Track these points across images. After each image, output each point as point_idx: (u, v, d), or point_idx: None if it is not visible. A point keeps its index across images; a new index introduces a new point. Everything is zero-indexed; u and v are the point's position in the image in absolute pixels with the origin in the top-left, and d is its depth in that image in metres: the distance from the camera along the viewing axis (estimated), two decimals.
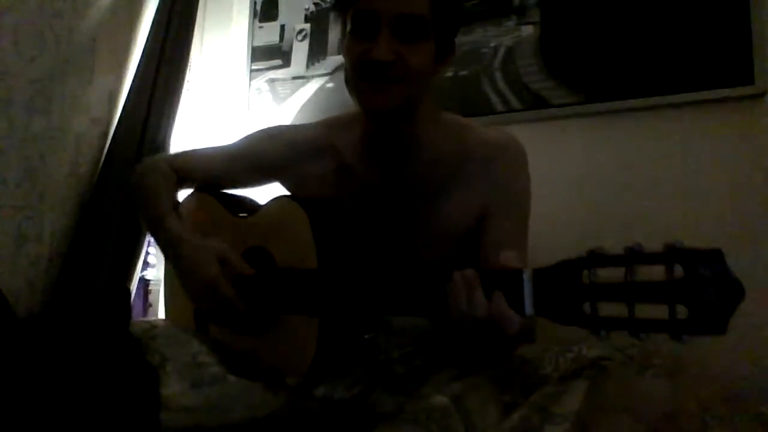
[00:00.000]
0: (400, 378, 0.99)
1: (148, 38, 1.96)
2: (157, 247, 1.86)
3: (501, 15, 1.84)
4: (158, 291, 1.99)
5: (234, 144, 1.25)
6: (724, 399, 0.89)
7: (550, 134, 1.73)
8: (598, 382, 0.85)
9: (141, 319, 1.84)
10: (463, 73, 1.85)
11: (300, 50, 2.18)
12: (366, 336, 1.04)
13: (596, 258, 0.68)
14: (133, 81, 1.92)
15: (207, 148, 1.31)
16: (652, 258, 0.64)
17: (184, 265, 1.05)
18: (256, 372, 1.01)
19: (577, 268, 0.69)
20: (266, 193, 1.19)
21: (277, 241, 1.06)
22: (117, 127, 1.88)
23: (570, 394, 0.83)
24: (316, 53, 2.15)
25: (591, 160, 1.69)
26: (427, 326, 1.07)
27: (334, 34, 2.13)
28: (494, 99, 1.82)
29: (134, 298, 1.91)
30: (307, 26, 2.18)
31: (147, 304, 1.99)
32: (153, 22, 1.97)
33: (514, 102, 1.80)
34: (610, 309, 0.66)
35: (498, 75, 1.83)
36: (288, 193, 1.22)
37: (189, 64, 2.05)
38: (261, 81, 2.23)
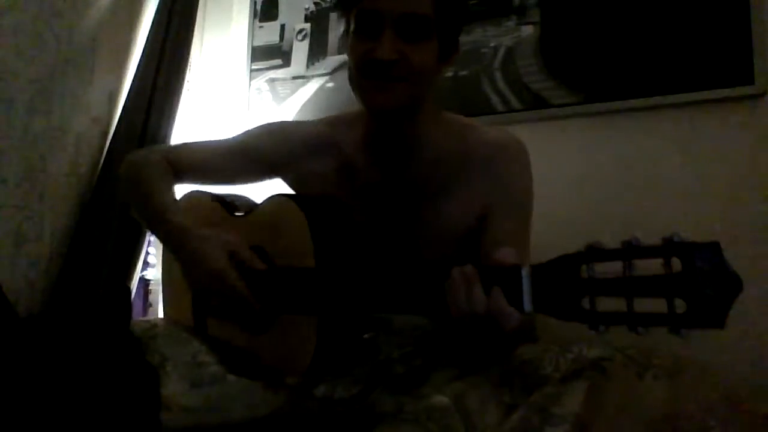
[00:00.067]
0: (400, 378, 0.99)
1: (148, 38, 1.96)
2: (157, 247, 1.86)
3: (501, 15, 1.84)
4: (158, 291, 1.99)
5: (233, 138, 1.23)
6: (725, 400, 0.89)
7: (550, 134, 1.73)
8: (598, 383, 0.84)
9: (141, 318, 1.84)
10: (463, 73, 1.85)
11: (300, 50, 2.18)
12: (366, 336, 1.04)
13: (594, 253, 0.68)
14: (133, 81, 1.92)
15: (204, 142, 1.28)
16: (649, 252, 0.64)
17: (190, 257, 1.01)
18: (256, 371, 1.01)
19: (575, 263, 0.69)
20: (262, 191, 1.19)
21: (274, 240, 1.06)
22: (117, 126, 1.88)
23: (570, 395, 0.83)
24: (316, 53, 2.15)
25: (591, 160, 1.69)
26: (427, 326, 1.07)
27: (334, 34, 2.13)
28: (494, 99, 1.82)
29: (134, 298, 1.91)
30: (307, 26, 2.18)
31: (147, 304, 1.99)
32: (153, 22, 1.97)
33: (514, 102, 1.80)
34: (608, 304, 0.66)
35: (498, 75, 1.83)
36: (289, 189, 1.21)
37: (189, 64, 2.05)
38: (261, 81, 2.23)
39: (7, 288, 1.10)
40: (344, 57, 2.06)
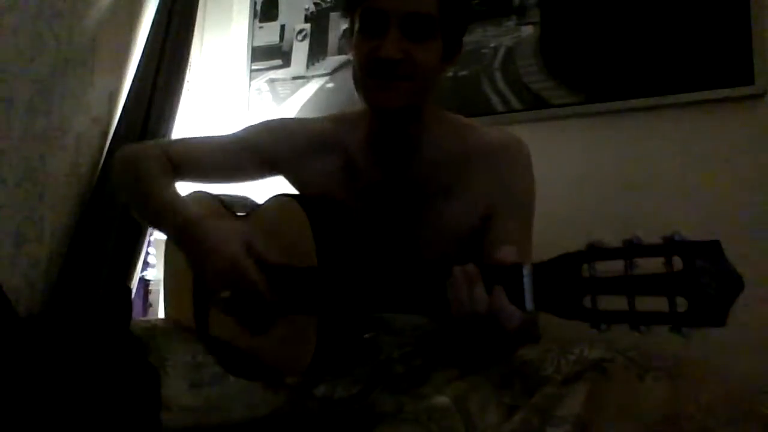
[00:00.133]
0: (400, 377, 0.99)
1: (148, 38, 1.96)
2: (157, 247, 1.86)
3: (501, 15, 1.84)
4: (158, 291, 1.99)
5: (233, 134, 1.20)
6: (725, 401, 0.89)
7: (550, 134, 1.73)
8: (599, 385, 0.84)
9: (141, 318, 1.84)
10: (463, 73, 1.85)
11: (300, 50, 2.18)
12: (366, 335, 1.04)
13: (595, 251, 0.68)
14: (133, 81, 1.92)
15: (203, 137, 1.25)
16: (651, 250, 0.64)
17: (204, 246, 0.96)
18: (256, 371, 1.01)
19: (576, 262, 0.69)
20: (263, 191, 1.19)
21: (276, 240, 1.06)
22: (117, 126, 1.88)
23: (571, 397, 0.83)
24: (316, 53, 2.15)
25: (591, 160, 1.69)
26: (428, 326, 1.07)
27: (334, 35, 2.13)
28: (494, 99, 1.82)
29: (134, 298, 1.91)
30: (307, 26, 2.18)
31: (147, 304, 1.99)
32: (153, 22, 1.97)
33: (514, 102, 1.80)
34: (610, 303, 0.66)
35: (498, 75, 1.83)
36: (291, 188, 1.21)
37: (189, 64, 2.05)
38: (261, 81, 2.23)
39: (7, 288, 1.10)
40: (344, 57, 2.07)
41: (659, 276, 0.63)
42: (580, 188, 1.67)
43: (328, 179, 1.13)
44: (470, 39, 1.84)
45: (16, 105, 1.60)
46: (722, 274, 0.60)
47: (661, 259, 0.63)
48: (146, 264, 1.95)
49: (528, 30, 1.80)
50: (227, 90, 2.26)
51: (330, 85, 2.11)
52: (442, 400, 0.84)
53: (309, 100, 2.13)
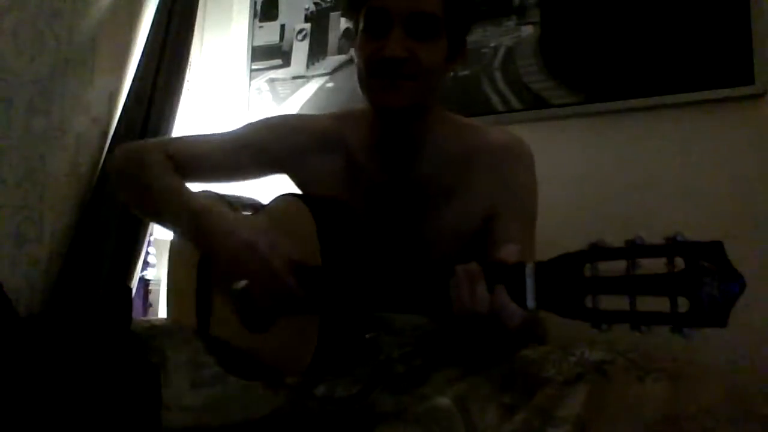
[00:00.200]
0: (401, 377, 0.98)
1: (148, 38, 1.96)
2: (157, 247, 1.86)
3: (501, 15, 1.84)
4: (158, 291, 1.99)
5: (233, 132, 1.18)
6: (725, 401, 0.89)
7: (550, 134, 1.73)
8: (600, 386, 0.84)
9: (141, 318, 1.84)
10: (463, 73, 1.85)
11: (300, 50, 2.18)
12: (367, 335, 1.04)
13: (598, 251, 0.68)
14: (133, 81, 1.92)
15: (204, 135, 1.22)
16: (653, 251, 0.64)
17: (219, 229, 0.95)
18: (256, 371, 1.01)
19: (578, 261, 0.69)
20: (266, 192, 1.19)
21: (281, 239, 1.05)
22: (117, 126, 1.88)
23: (571, 398, 0.83)
24: (316, 53, 2.15)
25: (591, 160, 1.69)
26: (428, 326, 1.07)
27: (334, 34, 2.13)
28: (494, 99, 1.82)
29: (134, 298, 1.91)
30: (307, 26, 2.18)
31: (147, 304, 1.99)
32: (153, 22, 1.97)
33: (514, 102, 1.80)
34: (611, 303, 0.66)
35: (498, 75, 1.83)
36: (294, 186, 1.20)
37: (189, 64, 2.05)
38: (261, 81, 2.23)
39: (7, 288, 1.10)
40: (344, 57, 2.08)
41: (661, 276, 0.63)
42: (580, 188, 1.67)
43: (330, 178, 1.13)
44: (470, 39, 1.80)
45: (16, 105, 1.60)
46: (724, 275, 0.61)
47: (663, 260, 0.63)
48: (146, 264, 1.95)
49: (528, 30, 1.80)
50: (227, 90, 2.26)
51: (330, 84, 2.11)
52: (442, 400, 0.84)
53: (309, 100, 2.13)
